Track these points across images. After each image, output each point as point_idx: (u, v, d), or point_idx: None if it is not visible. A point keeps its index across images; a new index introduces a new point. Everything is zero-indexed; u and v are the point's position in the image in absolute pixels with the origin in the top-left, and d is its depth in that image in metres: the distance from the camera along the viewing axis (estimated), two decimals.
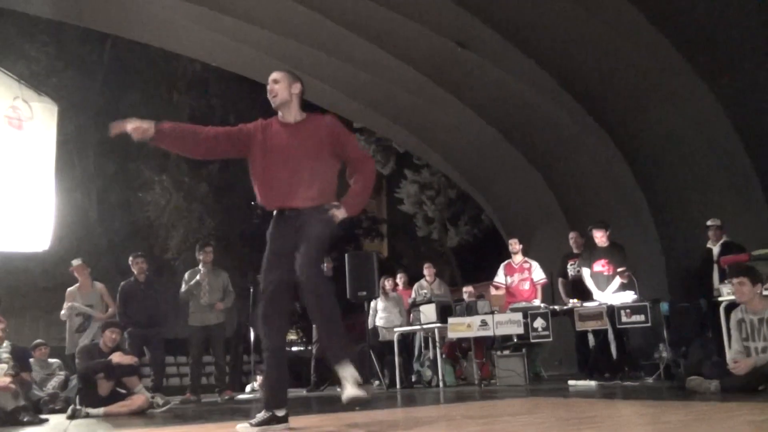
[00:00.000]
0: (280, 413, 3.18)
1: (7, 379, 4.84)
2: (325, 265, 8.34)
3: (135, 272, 7.50)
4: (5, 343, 5.59)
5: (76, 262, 7.38)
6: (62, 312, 7.22)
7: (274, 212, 3.38)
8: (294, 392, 9.27)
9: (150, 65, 17.99)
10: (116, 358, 5.76)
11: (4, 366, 5.00)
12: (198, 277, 7.53)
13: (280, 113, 3.42)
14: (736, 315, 4.91)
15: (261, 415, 3.15)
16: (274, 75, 3.38)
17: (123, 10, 9.77)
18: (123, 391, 5.77)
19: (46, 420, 5.16)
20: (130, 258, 7.59)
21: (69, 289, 7.31)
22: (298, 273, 3.17)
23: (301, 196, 3.28)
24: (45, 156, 7.07)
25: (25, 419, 4.80)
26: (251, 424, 3.13)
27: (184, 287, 7.58)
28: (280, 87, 3.35)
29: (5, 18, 15.43)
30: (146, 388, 6.17)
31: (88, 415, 5.43)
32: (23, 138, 6.83)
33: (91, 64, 17.97)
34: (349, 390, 3.01)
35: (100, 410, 5.51)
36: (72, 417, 5.38)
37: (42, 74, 15.64)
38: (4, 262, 7.32)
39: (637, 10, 7.89)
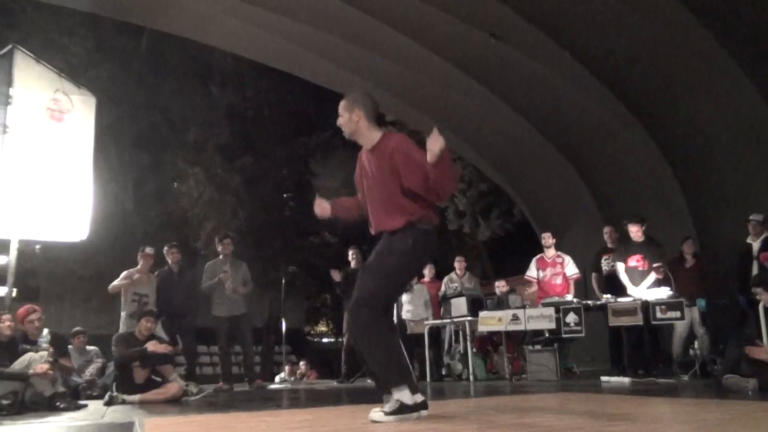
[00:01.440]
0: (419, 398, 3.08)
1: (46, 366, 4.95)
2: (351, 255, 8.38)
3: (169, 262, 7.63)
4: (45, 331, 5.74)
5: (149, 249, 7.54)
6: (116, 283, 7.30)
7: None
8: (324, 383, 9.35)
9: (185, 58, 18.21)
10: (151, 346, 5.86)
11: (44, 353, 5.12)
12: (223, 272, 7.60)
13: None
14: None
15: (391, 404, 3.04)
16: (340, 108, 3.34)
17: (159, 3, 9.92)
18: (158, 379, 5.87)
19: (85, 406, 5.28)
20: (165, 248, 7.73)
21: (129, 271, 7.45)
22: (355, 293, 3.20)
23: (383, 220, 3.26)
24: (84, 147, 7.21)
25: (62, 405, 4.92)
26: (385, 413, 3.03)
27: (205, 280, 7.68)
28: (343, 120, 3.33)
29: (45, 13, 15.78)
30: (180, 377, 6.27)
31: (124, 402, 5.54)
32: (63, 130, 6.97)
33: (128, 58, 18.27)
34: (374, 414, 3.01)
35: (136, 397, 5.62)
36: (109, 403, 5.51)
37: (80, 67, 15.95)
38: (44, 252, 7.51)
39: (677, 2, 7.72)
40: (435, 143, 2.97)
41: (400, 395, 3.02)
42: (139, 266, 7.39)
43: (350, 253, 8.62)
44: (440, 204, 19.21)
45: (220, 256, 7.82)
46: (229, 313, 7.59)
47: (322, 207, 3.57)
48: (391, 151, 3.21)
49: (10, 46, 6.83)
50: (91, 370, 7.05)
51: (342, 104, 3.34)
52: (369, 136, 3.32)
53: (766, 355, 4.49)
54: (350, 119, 3.30)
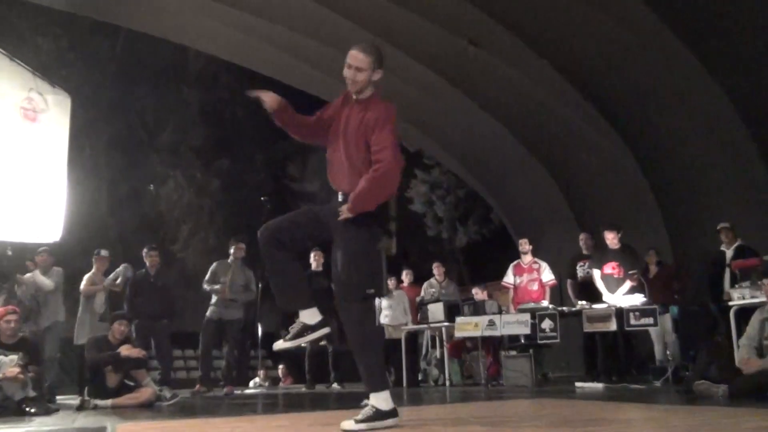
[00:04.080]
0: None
1: (16, 370, 4.87)
2: (313, 257, 8.34)
3: (147, 264, 7.55)
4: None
5: (104, 252, 7.50)
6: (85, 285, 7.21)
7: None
8: (297, 388, 9.31)
9: (160, 58, 18.06)
10: (125, 351, 5.79)
11: (14, 357, 5.02)
12: (228, 277, 7.57)
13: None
14: (761, 313, 4.90)
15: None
16: (357, 61, 3.12)
17: (135, 2, 9.82)
18: (131, 383, 5.80)
19: (56, 410, 5.20)
20: (144, 250, 7.65)
21: (89, 275, 7.37)
22: (334, 277, 3.10)
23: (347, 180, 3.07)
24: (58, 147, 7.12)
25: (32, 410, 4.83)
26: (356, 420, 2.94)
27: (208, 278, 7.62)
28: (361, 77, 3.13)
29: (18, 10, 15.53)
30: (153, 381, 6.20)
31: (96, 407, 5.46)
32: (37, 130, 6.87)
33: (103, 57, 18.06)
34: (346, 423, 2.91)
35: (108, 402, 5.55)
36: (80, 408, 5.43)
37: (54, 66, 15.71)
38: (17, 253, 7.37)
39: (649, 10, 7.83)
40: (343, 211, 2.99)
41: (378, 401, 2.95)
42: (95, 271, 7.31)
43: (312, 255, 8.55)
44: (418, 211, 19.31)
45: (230, 258, 7.76)
46: (220, 316, 7.53)
47: (271, 97, 3.21)
48: (374, 119, 3.08)
49: None
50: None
51: (365, 59, 3.13)
52: (366, 93, 3.20)
53: (758, 367, 4.55)
54: (369, 78, 3.14)
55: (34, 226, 6.90)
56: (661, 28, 8.02)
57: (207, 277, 7.70)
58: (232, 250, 7.82)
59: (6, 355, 5.03)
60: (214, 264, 7.84)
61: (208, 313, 7.61)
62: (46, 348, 6.64)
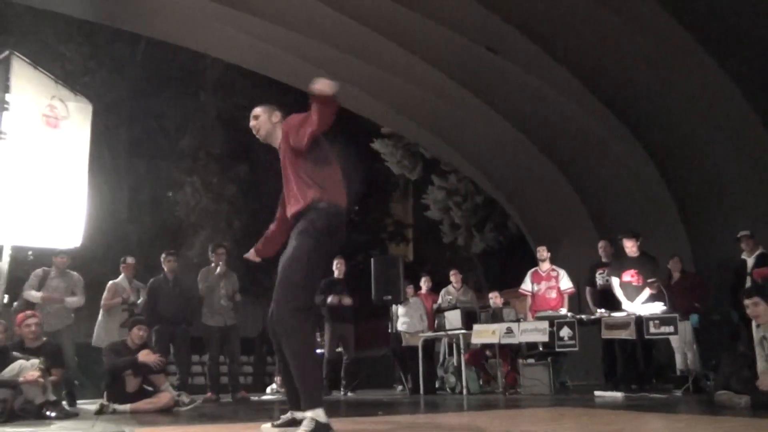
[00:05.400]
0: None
1: (36, 373, 4.92)
2: (335, 265, 8.36)
3: (165, 269, 7.61)
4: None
5: (130, 259, 7.63)
6: (106, 298, 7.30)
7: None
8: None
9: (179, 66, 18.25)
10: (143, 356, 5.83)
11: (35, 361, 5.08)
12: (218, 270, 7.63)
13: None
14: (758, 333, 4.83)
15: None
16: (254, 112, 3.45)
17: (153, 10, 9.94)
18: (150, 388, 5.83)
19: (75, 414, 5.24)
20: (162, 255, 7.71)
21: (114, 282, 7.46)
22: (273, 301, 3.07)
23: (292, 205, 3.27)
24: (79, 154, 7.17)
25: (53, 414, 4.87)
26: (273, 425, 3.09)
27: (201, 286, 7.69)
28: (261, 121, 3.43)
29: (42, 19, 15.78)
30: (172, 386, 6.23)
31: (115, 411, 5.50)
32: (59, 136, 6.94)
33: (123, 65, 18.28)
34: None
35: (127, 407, 5.58)
36: (100, 412, 5.47)
37: (76, 74, 15.94)
38: (38, 259, 7.48)
39: (667, 14, 7.77)
40: (321, 82, 2.96)
41: (316, 413, 2.89)
42: (124, 277, 7.39)
43: (335, 262, 8.58)
44: (435, 217, 19.27)
45: (212, 265, 7.82)
46: (221, 323, 7.57)
47: (251, 255, 3.72)
48: (286, 129, 3.28)
49: (7, 52, 6.79)
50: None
51: (259, 109, 3.46)
52: (278, 134, 3.38)
53: None
54: (269, 120, 3.42)
55: (55, 232, 6.95)
56: (680, 34, 7.96)
57: (199, 286, 7.74)
58: (213, 258, 7.84)
59: (28, 359, 5.08)
60: (200, 273, 7.84)
61: (207, 322, 7.60)
62: (66, 351, 6.71)
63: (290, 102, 3.55)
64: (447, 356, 8.94)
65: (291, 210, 3.25)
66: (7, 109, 6.44)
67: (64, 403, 5.70)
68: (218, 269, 7.71)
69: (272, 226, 3.63)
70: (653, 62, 8.65)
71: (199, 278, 7.76)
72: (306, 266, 3.07)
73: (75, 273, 7.21)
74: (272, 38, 10.21)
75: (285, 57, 10.73)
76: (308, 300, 3.17)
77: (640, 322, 6.46)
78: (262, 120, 3.43)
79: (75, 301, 6.99)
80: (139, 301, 7.48)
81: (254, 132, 3.45)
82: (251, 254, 3.72)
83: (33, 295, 6.83)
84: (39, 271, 7.04)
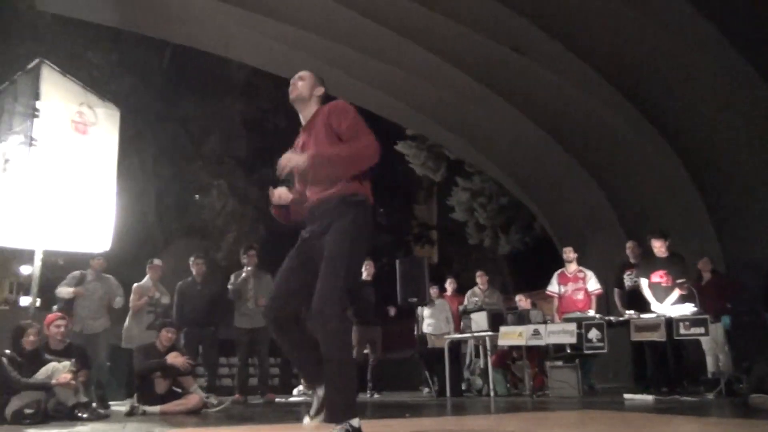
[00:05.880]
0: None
1: (68, 376, 5.00)
2: (364, 266, 8.35)
3: (194, 272, 7.68)
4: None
5: (157, 261, 7.69)
6: (133, 300, 7.41)
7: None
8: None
9: (204, 71, 18.46)
10: (171, 359, 5.90)
11: (67, 363, 5.16)
12: (244, 274, 7.66)
13: (300, 116, 3.26)
14: None
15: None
16: (300, 73, 3.28)
17: (178, 17, 10.06)
18: (179, 390, 5.89)
19: (107, 416, 5.32)
20: (191, 258, 7.78)
21: (139, 284, 7.55)
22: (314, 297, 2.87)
23: (323, 187, 3.05)
24: (107, 159, 7.29)
25: (84, 415, 4.95)
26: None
27: (231, 288, 7.71)
28: (303, 84, 3.23)
29: (69, 27, 16.06)
30: (200, 388, 6.29)
31: (145, 413, 5.57)
32: (88, 142, 7.06)
33: (149, 71, 18.52)
34: None
35: (157, 408, 5.65)
36: (130, 414, 5.54)
37: (103, 81, 16.19)
38: (68, 263, 7.60)
39: (698, 13, 7.66)
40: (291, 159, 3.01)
41: (353, 421, 2.75)
42: (150, 279, 7.48)
43: (364, 264, 8.60)
44: (459, 219, 19.19)
45: (245, 268, 7.84)
46: (251, 325, 7.60)
47: (280, 194, 3.30)
48: (327, 111, 3.12)
49: (37, 60, 6.93)
50: None
51: (307, 74, 3.28)
52: (312, 109, 3.21)
53: None
54: (311, 87, 3.23)
55: (85, 236, 7.07)
56: (709, 31, 7.83)
57: (229, 288, 7.77)
58: (245, 260, 7.85)
59: (59, 362, 5.17)
60: (232, 276, 7.83)
61: (238, 324, 7.61)
62: (99, 354, 6.82)
63: None
64: (473, 358, 8.90)
65: (319, 193, 3.06)
66: (37, 116, 6.56)
67: (94, 404, 5.78)
68: (244, 271, 7.73)
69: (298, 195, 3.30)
70: (681, 60, 8.52)
71: (230, 281, 7.79)
72: (349, 267, 2.96)
73: (111, 276, 7.31)
74: (295, 41, 10.27)
75: (308, 60, 10.77)
76: (347, 301, 3.08)
77: (670, 323, 6.36)
78: (305, 85, 3.22)
79: (120, 300, 7.11)
80: (164, 301, 7.52)
81: (290, 89, 3.23)
82: (283, 196, 3.30)
83: (65, 290, 6.92)
84: (76, 273, 7.14)
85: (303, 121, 3.23)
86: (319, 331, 2.84)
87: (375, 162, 3.01)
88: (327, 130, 3.06)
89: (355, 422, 2.74)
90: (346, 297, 2.93)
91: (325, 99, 3.26)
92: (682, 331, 6.30)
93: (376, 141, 3.02)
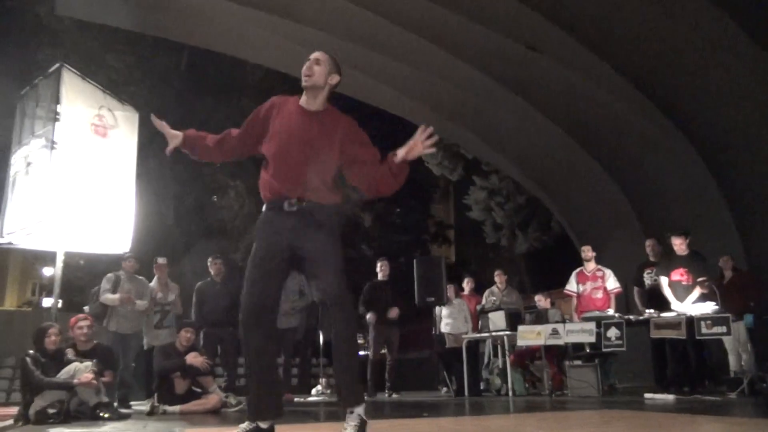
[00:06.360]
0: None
1: (90, 376, 5.05)
2: (379, 267, 8.37)
3: (212, 273, 7.73)
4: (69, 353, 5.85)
5: (161, 260, 7.69)
6: (140, 303, 7.48)
7: (266, 205, 3.07)
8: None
9: (220, 72, 18.57)
10: (190, 359, 5.95)
11: (88, 363, 5.22)
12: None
13: (304, 97, 3.09)
14: None
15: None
16: (317, 55, 3.06)
17: (195, 19, 10.14)
18: (198, 390, 5.94)
19: (128, 416, 5.37)
20: (210, 259, 7.84)
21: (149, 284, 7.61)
22: (325, 288, 2.86)
23: (312, 187, 2.95)
24: (127, 162, 7.35)
25: (106, 415, 5.00)
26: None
27: None
28: (319, 70, 3.02)
29: (88, 31, 16.25)
30: (219, 388, 6.33)
31: (165, 413, 5.62)
32: (108, 145, 7.12)
33: (167, 73, 18.68)
34: None
35: (177, 408, 5.70)
36: (151, 413, 5.60)
37: (121, 84, 16.36)
38: (90, 264, 7.69)
39: (717, 7, 7.57)
40: (419, 146, 2.89)
41: (361, 410, 2.82)
42: (157, 279, 7.53)
43: (379, 264, 8.60)
44: (477, 218, 19.12)
45: None
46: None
47: (168, 133, 3.22)
48: (345, 125, 3.03)
49: (58, 65, 7.00)
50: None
51: (326, 56, 3.07)
52: (322, 100, 3.06)
53: None
54: (327, 74, 3.03)
55: (106, 238, 7.14)
56: (727, 26, 7.74)
57: None
58: None
59: (82, 362, 5.23)
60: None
61: None
62: (128, 355, 6.89)
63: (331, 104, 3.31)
64: (492, 358, 8.87)
65: (309, 192, 2.95)
66: (58, 119, 6.63)
67: (116, 404, 5.84)
68: None
69: (218, 140, 3.28)
70: (699, 56, 8.43)
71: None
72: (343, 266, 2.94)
73: (142, 277, 7.39)
74: (311, 42, 10.28)
75: None
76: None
77: (692, 322, 6.30)
78: (321, 71, 3.03)
79: (143, 304, 7.15)
80: (169, 299, 7.53)
81: (304, 73, 3.04)
82: (166, 130, 3.25)
83: (110, 298, 6.98)
84: (111, 275, 7.20)
85: (307, 105, 3.08)
86: (338, 316, 2.84)
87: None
88: (336, 140, 3.00)
89: (362, 410, 2.82)
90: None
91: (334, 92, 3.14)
92: (704, 330, 6.23)
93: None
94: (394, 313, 8.27)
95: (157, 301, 7.42)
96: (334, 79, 3.05)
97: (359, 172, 3.01)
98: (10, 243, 7.01)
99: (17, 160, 6.96)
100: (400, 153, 2.91)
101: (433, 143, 2.92)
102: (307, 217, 2.92)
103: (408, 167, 2.94)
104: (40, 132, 6.75)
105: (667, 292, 6.88)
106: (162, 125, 3.23)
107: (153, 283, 7.56)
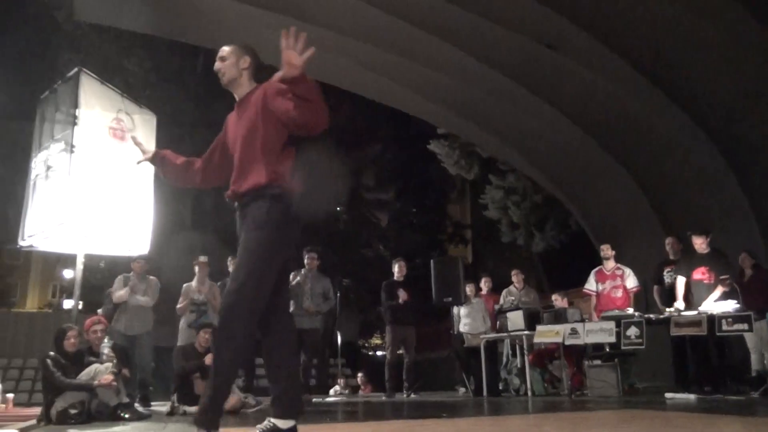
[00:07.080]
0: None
1: (110, 377, 5.10)
2: (397, 268, 8.36)
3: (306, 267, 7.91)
4: (105, 340, 5.90)
5: (203, 258, 7.76)
6: (178, 306, 7.53)
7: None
8: (375, 396, 9.34)
9: None
10: (209, 360, 5.96)
11: (108, 364, 5.27)
12: (299, 278, 7.75)
13: (235, 96, 3.06)
14: None
15: None
16: (220, 52, 3.02)
17: (212, 23, 10.20)
18: None
19: (148, 416, 5.41)
20: (229, 259, 7.88)
21: (187, 284, 7.67)
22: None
23: (247, 173, 2.86)
24: (145, 165, 7.41)
25: (126, 415, 5.05)
26: None
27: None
28: (227, 64, 2.99)
29: (105, 35, 16.42)
30: (238, 388, 6.36)
31: (185, 413, 5.66)
32: (126, 148, 7.18)
33: (184, 76, 18.82)
34: None
35: (196, 408, 5.72)
36: (171, 414, 5.64)
37: (138, 87, 16.51)
38: (109, 266, 7.77)
39: (737, 3, 7.47)
40: (293, 54, 2.67)
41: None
42: (197, 278, 7.57)
43: (395, 265, 8.59)
44: (493, 217, 19.05)
45: (303, 269, 7.95)
46: (300, 326, 7.63)
47: (141, 147, 3.31)
48: (263, 92, 2.90)
49: (76, 69, 7.08)
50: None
51: (228, 48, 3.02)
52: (246, 87, 3.02)
53: None
54: (236, 64, 2.99)
55: (125, 240, 7.21)
56: (751, 24, 7.63)
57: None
58: (306, 262, 7.95)
59: (102, 363, 5.28)
60: (290, 275, 7.94)
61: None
62: (136, 356, 6.93)
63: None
64: (510, 357, 8.83)
65: (240, 185, 2.89)
66: (77, 123, 6.70)
67: (136, 404, 5.89)
68: (300, 273, 7.78)
69: (188, 163, 3.23)
70: (718, 53, 8.33)
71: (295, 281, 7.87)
72: (260, 272, 2.78)
73: (153, 277, 7.44)
74: (325, 43, 10.30)
75: (338, 61, 10.81)
76: (256, 307, 2.79)
77: (713, 320, 6.22)
78: (228, 64, 2.99)
79: (145, 300, 7.19)
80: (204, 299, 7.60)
81: (219, 75, 3.02)
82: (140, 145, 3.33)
83: (119, 294, 7.06)
84: (121, 276, 7.29)
85: (237, 101, 3.09)
86: (218, 332, 2.86)
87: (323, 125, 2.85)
88: (256, 114, 2.91)
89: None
90: (250, 292, 2.77)
91: (261, 71, 3.08)
92: (725, 327, 6.15)
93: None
94: (403, 295, 8.23)
95: (194, 300, 7.47)
96: (246, 62, 3.02)
97: (286, 109, 2.80)
98: (31, 246, 7.11)
99: (38, 164, 7.05)
100: (277, 74, 2.79)
101: (303, 44, 2.73)
102: (245, 217, 2.90)
103: (309, 85, 2.71)
104: (59, 136, 6.83)
105: (680, 291, 6.83)
106: (138, 143, 3.39)
107: (193, 283, 7.61)
